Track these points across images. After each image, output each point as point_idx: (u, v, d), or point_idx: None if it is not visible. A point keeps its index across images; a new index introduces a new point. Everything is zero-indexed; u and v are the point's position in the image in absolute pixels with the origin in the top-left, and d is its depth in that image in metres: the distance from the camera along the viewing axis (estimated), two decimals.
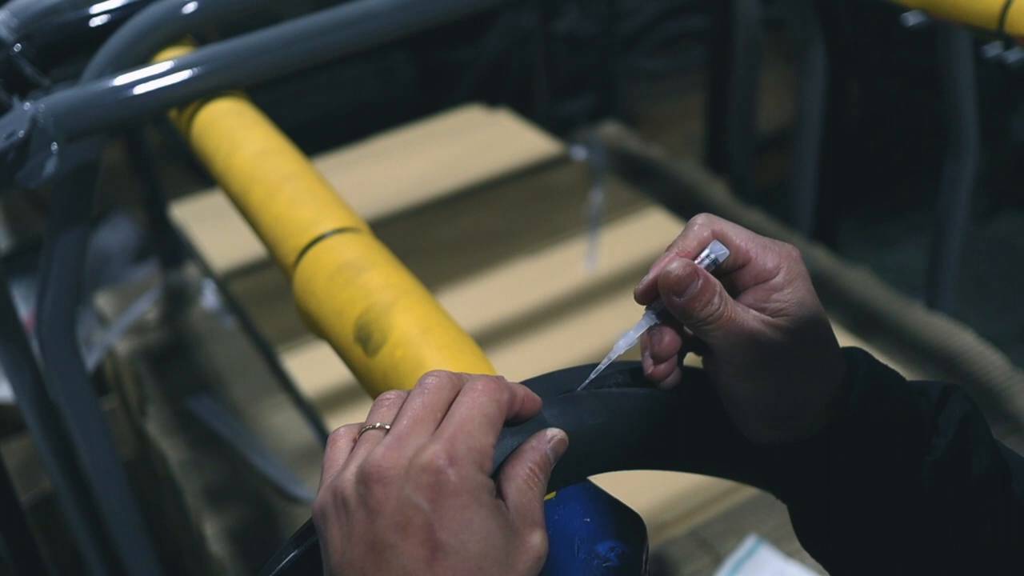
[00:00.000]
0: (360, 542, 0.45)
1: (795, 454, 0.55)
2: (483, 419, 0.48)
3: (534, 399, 0.52)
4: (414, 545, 0.44)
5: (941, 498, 0.54)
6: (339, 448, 0.50)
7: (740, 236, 0.54)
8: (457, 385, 0.50)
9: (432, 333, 0.64)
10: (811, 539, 0.58)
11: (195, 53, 0.96)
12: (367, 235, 0.77)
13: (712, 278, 0.52)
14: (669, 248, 0.54)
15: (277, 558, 0.51)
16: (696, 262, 0.53)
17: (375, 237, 0.78)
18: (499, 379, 0.51)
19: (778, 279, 0.53)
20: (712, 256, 0.53)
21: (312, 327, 0.73)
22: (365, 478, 0.46)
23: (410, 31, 1.06)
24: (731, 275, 0.54)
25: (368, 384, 0.66)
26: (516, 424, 0.51)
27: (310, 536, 0.50)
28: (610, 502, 0.53)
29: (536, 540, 0.47)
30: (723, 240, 0.54)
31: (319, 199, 0.80)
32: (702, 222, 0.54)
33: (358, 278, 0.70)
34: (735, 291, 0.54)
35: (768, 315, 0.53)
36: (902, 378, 0.57)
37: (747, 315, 0.53)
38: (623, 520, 0.53)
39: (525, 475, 0.49)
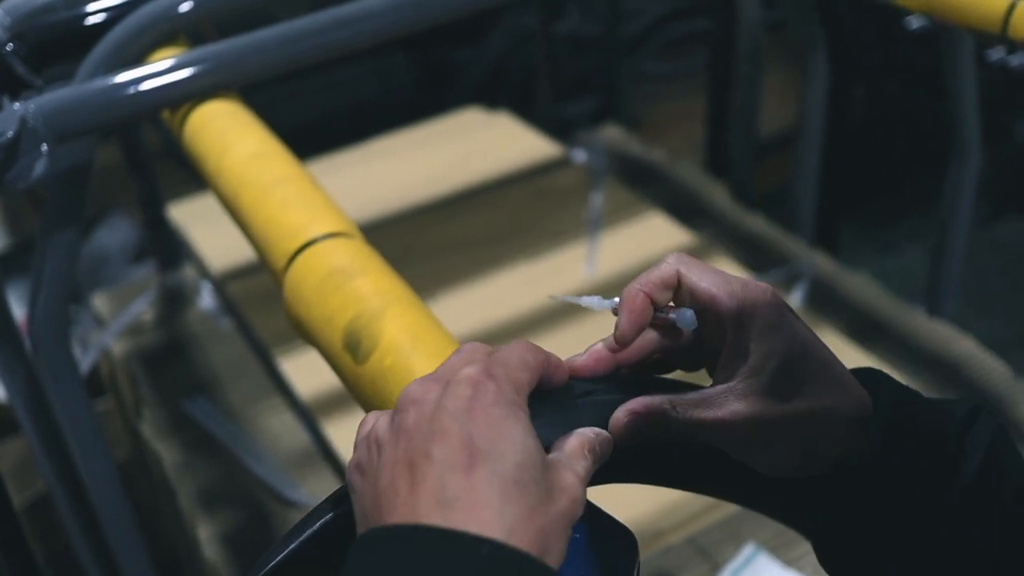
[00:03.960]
0: (395, 467, 0.44)
1: (817, 488, 0.53)
2: (520, 360, 0.48)
3: (563, 368, 0.52)
4: (451, 451, 0.42)
5: (970, 522, 0.52)
6: (369, 423, 0.49)
7: (706, 290, 0.52)
8: (492, 351, 0.51)
9: (422, 341, 0.63)
10: (837, 569, 0.56)
11: (188, 53, 0.95)
12: (358, 240, 0.76)
13: (655, 407, 0.51)
14: (629, 290, 0.53)
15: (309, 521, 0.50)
16: (658, 316, 0.52)
17: (366, 242, 0.77)
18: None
19: (753, 345, 0.50)
20: (676, 324, 0.52)
21: (302, 333, 0.72)
22: (400, 406, 0.46)
23: (407, 32, 1.05)
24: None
25: (357, 392, 0.65)
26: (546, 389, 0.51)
27: (344, 502, 0.49)
28: (600, 517, 0.52)
29: (574, 480, 0.46)
30: (689, 291, 0.52)
31: (310, 203, 0.79)
32: (668, 272, 0.53)
33: (348, 284, 0.69)
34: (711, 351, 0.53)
35: (746, 380, 0.50)
36: (927, 401, 0.54)
37: (720, 408, 0.50)
38: (614, 536, 0.51)
39: (574, 448, 0.48)
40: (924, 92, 2.48)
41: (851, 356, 1.40)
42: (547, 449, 0.48)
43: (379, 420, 0.47)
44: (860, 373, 0.54)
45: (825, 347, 0.53)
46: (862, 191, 2.59)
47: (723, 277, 0.52)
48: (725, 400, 0.51)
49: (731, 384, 0.51)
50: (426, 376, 0.48)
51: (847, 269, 1.62)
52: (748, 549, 1.15)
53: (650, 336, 0.55)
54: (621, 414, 0.51)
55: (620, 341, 0.52)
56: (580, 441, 0.49)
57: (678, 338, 0.54)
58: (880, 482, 0.52)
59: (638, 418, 0.51)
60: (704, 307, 0.52)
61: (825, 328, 1.45)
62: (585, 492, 0.46)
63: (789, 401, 0.50)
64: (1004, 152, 2.45)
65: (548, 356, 0.51)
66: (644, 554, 1.15)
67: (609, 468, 0.51)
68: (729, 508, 1.20)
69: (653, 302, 0.52)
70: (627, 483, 0.55)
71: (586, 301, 0.56)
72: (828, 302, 1.55)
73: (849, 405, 0.52)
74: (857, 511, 0.53)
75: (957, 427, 0.53)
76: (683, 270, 0.52)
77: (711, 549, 1.16)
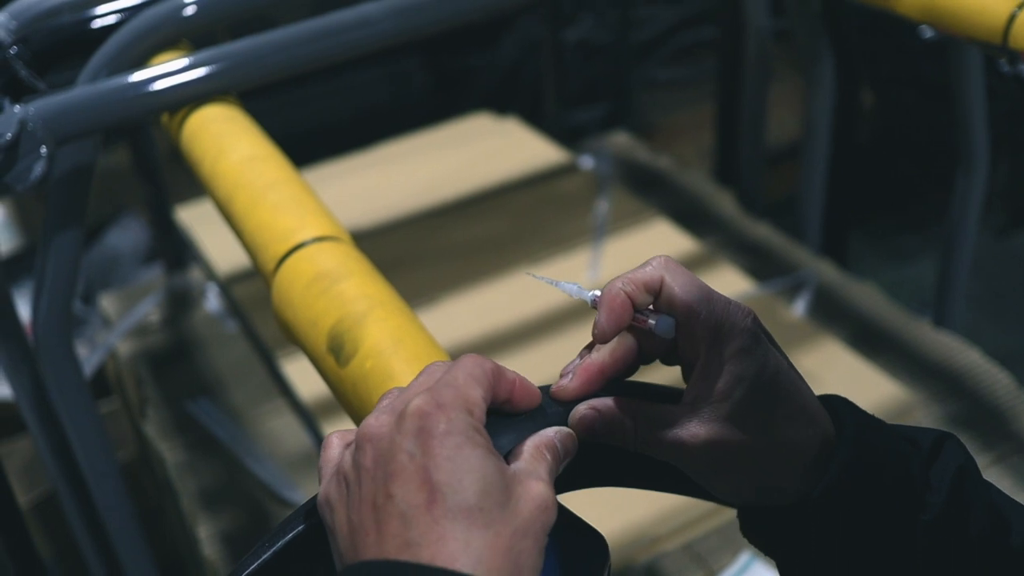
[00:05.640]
0: (360, 507, 0.44)
1: (781, 516, 0.53)
2: (467, 376, 0.48)
3: (529, 388, 0.51)
4: (411, 491, 0.43)
5: (938, 558, 0.52)
6: (333, 447, 0.50)
7: (685, 306, 0.51)
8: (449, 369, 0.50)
9: (404, 345, 0.64)
10: None
11: (186, 58, 0.96)
12: (347, 244, 0.76)
13: (616, 416, 0.51)
14: (610, 289, 0.51)
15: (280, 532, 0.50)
16: (638, 317, 0.52)
17: (356, 246, 0.78)
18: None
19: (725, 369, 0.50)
20: (654, 330, 0.51)
21: (289, 336, 0.73)
22: (358, 443, 0.46)
23: (406, 39, 1.05)
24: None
25: (339, 394, 0.66)
26: (513, 413, 0.50)
27: (315, 514, 0.49)
28: (568, 519, 0.52)
29: (540, 488, 0.45)
30: (668, 301, 0.51)
31: (301, 207, 0.79)
32: (654, 273, 0.52)
33: (333, 288, 0.69)
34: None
35: (712, 405, 0.50)
36: (890, 430, 0.54)
37: (680, 430, 0.50)
38: (582, 540, 0.51)
39: (530, 451, 0.48)
40: (935, 102, 2.46)
41: (853, 366, 1.39)
42: (507, 459, 0.48)
43: (345, 453, 0.47)
44: (825, 402, 0.54)
45: (798, 377, 0.52)
46: (874, 200, 2.58)
47: (705, 294, 0.51)
48: (687, 422, 0.51)
49: (696, 406, 0.51)
50: (381, 407, 0.48)
51: (853, 278, 1.62)
52: (744, 557, 1.15)
53: (631, 343, 0.54)
54: (583, 407, 0.52)
55: (599, 339, 0.52)
56: (537, 442, 0.49)
57: (656, 342, 0.54)
58: (842, 516, 0.51)
59: (599, 416, 0.51)
60: (682, 320, 0.51)
61: (828, 337, 1.45)
62: (554, 495, 0.46)
63: (752, 432, 0.50)
64: (1019, 164, 2.43)
65: (500, 371, 0.50)
66: (639, 560, 1.15)
67: (579, 470, 0.52)
68: (726, 515, 1.20)
69: (634, 303, 0.52)
70: (600, 487, 0.55)
71: (564, 286, 0.56)
72: (832, 311, 1.54)
73: (813, 439, 0.51)
74: (821, 542, 0.52)
75: (921, 459, 0.53)
76: (668, 278, 0.51)
77: (707, 556, 1.16)
